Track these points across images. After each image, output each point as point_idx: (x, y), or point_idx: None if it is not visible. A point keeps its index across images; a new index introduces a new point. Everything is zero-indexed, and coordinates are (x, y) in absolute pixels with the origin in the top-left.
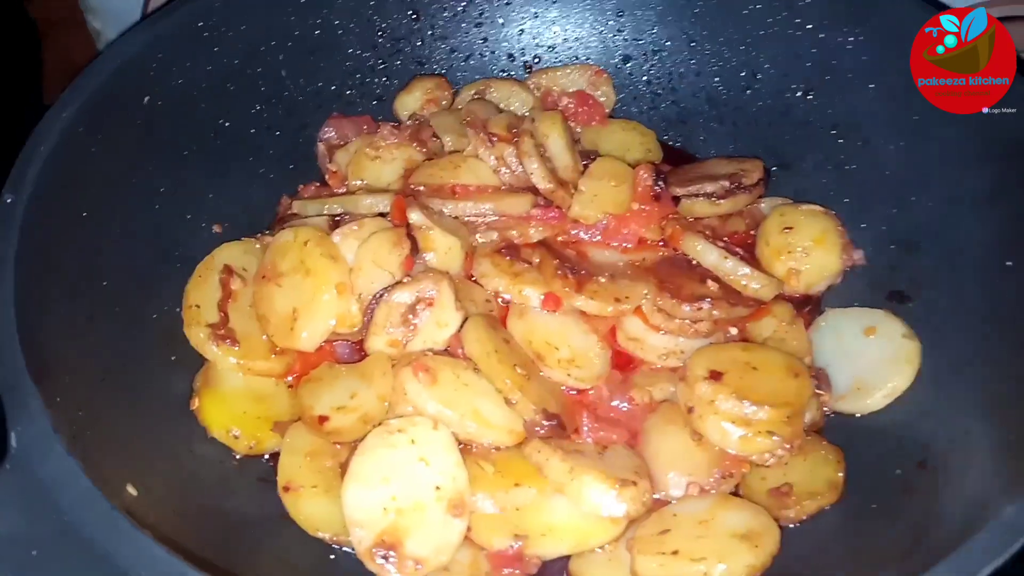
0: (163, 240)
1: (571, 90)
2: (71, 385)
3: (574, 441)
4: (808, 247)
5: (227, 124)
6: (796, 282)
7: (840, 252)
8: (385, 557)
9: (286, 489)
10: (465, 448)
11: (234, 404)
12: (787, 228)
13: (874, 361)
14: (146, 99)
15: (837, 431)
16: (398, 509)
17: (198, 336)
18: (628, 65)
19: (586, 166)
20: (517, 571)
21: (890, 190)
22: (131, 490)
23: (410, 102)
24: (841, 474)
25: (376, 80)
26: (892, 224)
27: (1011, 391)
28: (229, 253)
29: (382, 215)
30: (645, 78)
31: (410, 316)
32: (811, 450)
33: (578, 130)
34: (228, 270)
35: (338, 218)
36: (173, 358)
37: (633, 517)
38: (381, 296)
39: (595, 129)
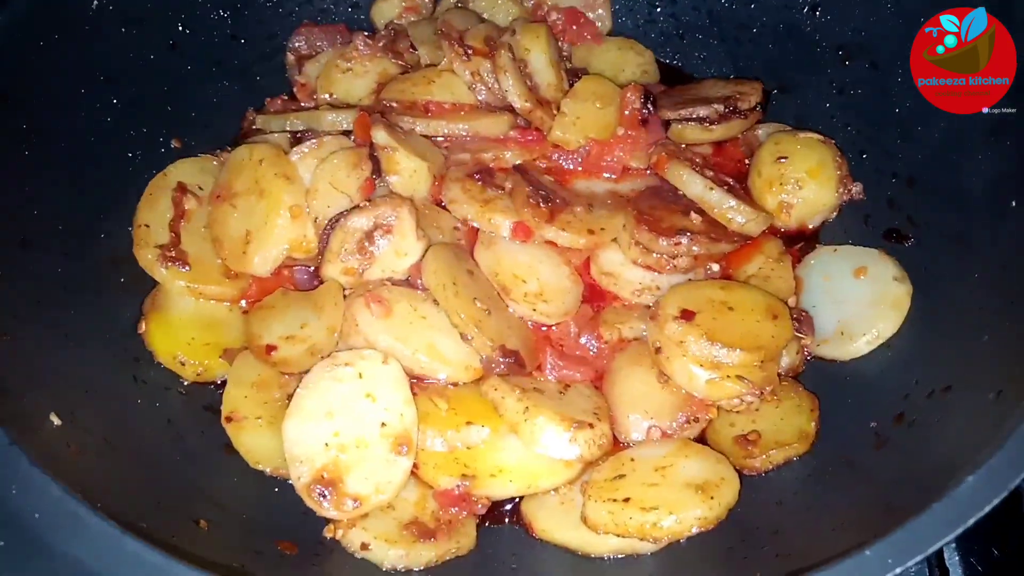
0: (115, 156)
1: (563, 5)
2: None
3: (535, 379)
4: (802, 179)
5: (187, 32)
6: (787, 216)
7: (836, 186)
8: (323, 494)
9: (229, 419)
10: (420, 384)
11: (182, 329)
12: (781, 158)
13: (861, 304)
14: (94, 4)
15: (816, 376)
16: (340, 445)
17: (146, 257)
18: None
19: (572, 84)
20: (464, 511)
21: (896, 119)
22: (54, 419)
23: (387, 9)
24: (814, 424)
25: None
26: (895, 156)
27: (1001, 344)
28: (184, 170)
29: (347, 133)
30: None
31: (367, 243)
32: (785, 397)
33: (567, 47)
34: (182, 188)
35: (300, 135)
36: (122, 280)
37: (588, 460)
38: (337, 221)
39: (588, 46)
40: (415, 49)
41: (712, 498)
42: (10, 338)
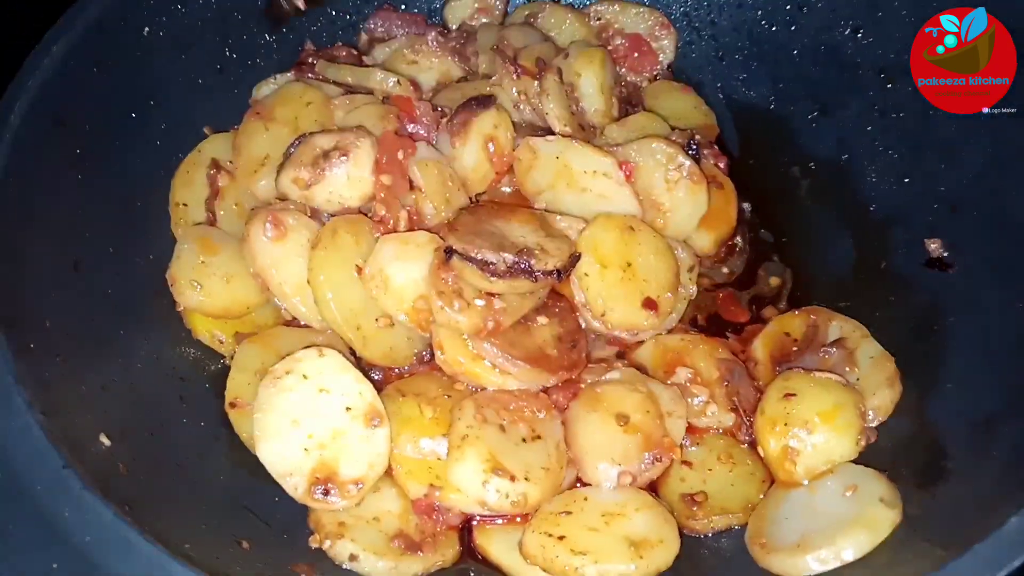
0: (165, 179)
1: (629, 31)
2: (50, 333)
3: (516, 416)
4: (812, 423)
5: (233, 56)
6: (791, 466)
7: (856, 435)
8: (326, 492)
9: (232, 406)
10: (406, 386)
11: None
12: (789, 395)
13: (832, 518)
14: (145, 30)
15: None
16: (319, 444)
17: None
18: None
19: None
20: (436, 523)
21: (938, 143)
22: (104, 440)
23: (460, 9)
24: (763, 496)
25: None
26: (937, 180)
27: None
28: (217, 146)
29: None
30: (683, 10)
31: (322, 161)
32: (740, 461)
33: (632, 78)
34: (216, 165)
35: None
36: (168, 300)
37: (494, 510)
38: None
39: (657, 88)
40: None
41: (642, 557)
42: (63, 359)
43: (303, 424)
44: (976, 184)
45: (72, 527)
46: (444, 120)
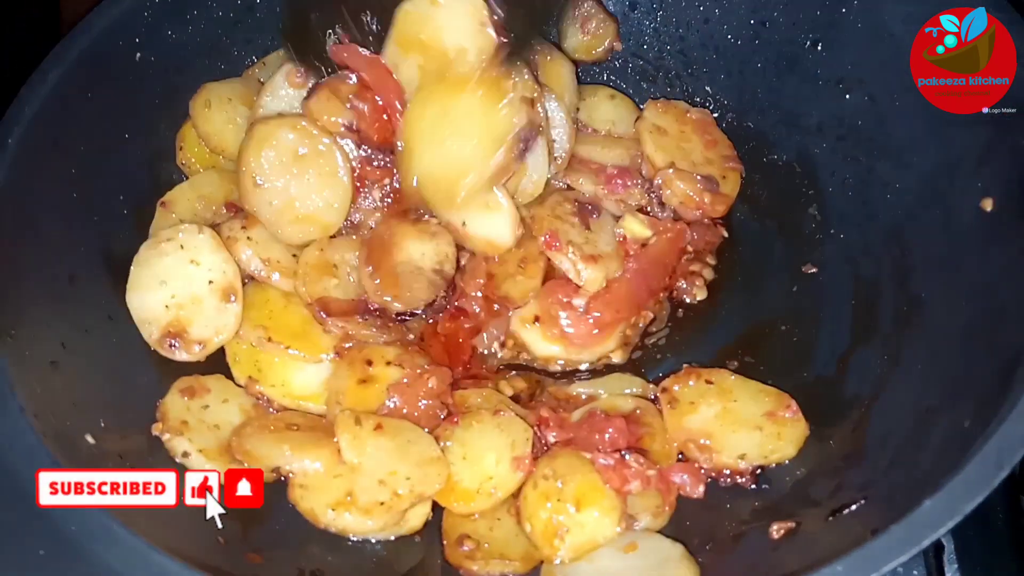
0: (154, 196)
1: None
2: (45, 342)
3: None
4: (576, 501)
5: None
6: (560, 542)
7: (619, 518)
8: (173, 344)
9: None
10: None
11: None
12: (556, 477)
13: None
14: (137, 56)
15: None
16: (178, 304)
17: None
18: (635, 13)
19: None
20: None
21: (891, 149)
22: (89, 439)
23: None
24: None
25: None
26: (891, 186)
27: (980, 368)
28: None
29: None
30: (653, 26)
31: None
32: None
33: None
34: None
35: None
36: None
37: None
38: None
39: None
40: None
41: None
42: (55, 366)
43: (169, 285)
44: (926, 187)
45: (57, 518)
46: None
